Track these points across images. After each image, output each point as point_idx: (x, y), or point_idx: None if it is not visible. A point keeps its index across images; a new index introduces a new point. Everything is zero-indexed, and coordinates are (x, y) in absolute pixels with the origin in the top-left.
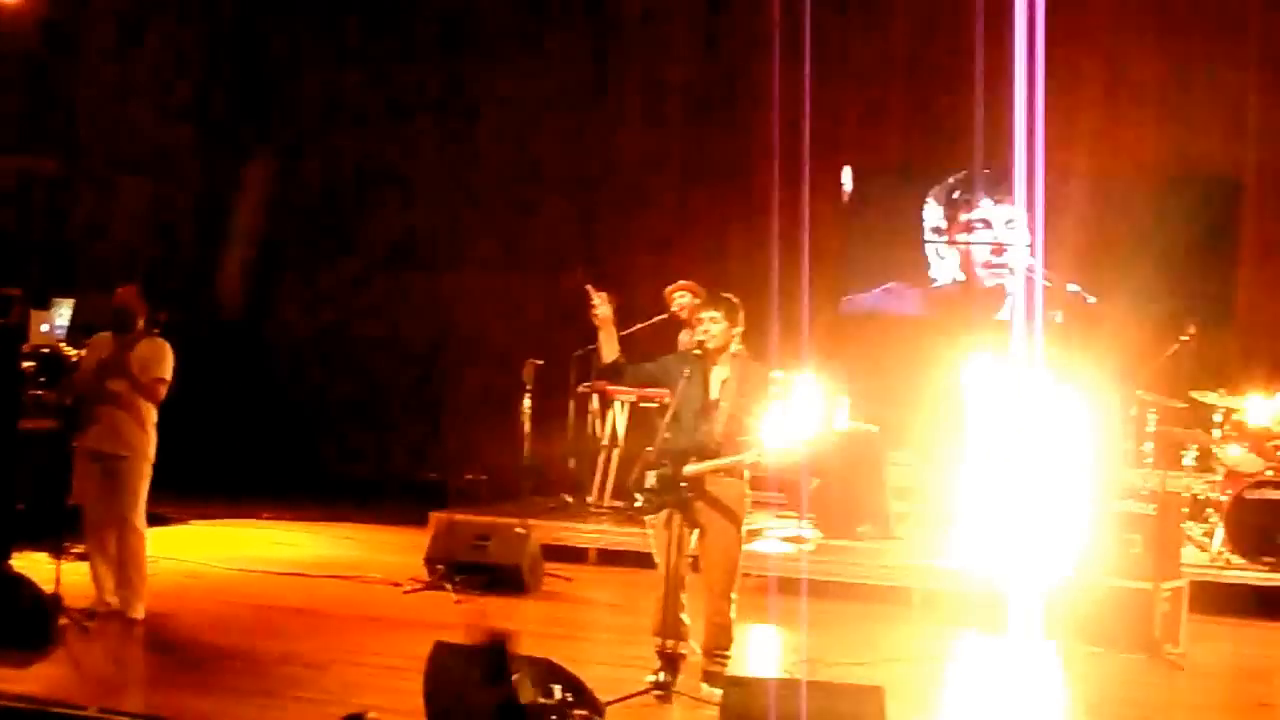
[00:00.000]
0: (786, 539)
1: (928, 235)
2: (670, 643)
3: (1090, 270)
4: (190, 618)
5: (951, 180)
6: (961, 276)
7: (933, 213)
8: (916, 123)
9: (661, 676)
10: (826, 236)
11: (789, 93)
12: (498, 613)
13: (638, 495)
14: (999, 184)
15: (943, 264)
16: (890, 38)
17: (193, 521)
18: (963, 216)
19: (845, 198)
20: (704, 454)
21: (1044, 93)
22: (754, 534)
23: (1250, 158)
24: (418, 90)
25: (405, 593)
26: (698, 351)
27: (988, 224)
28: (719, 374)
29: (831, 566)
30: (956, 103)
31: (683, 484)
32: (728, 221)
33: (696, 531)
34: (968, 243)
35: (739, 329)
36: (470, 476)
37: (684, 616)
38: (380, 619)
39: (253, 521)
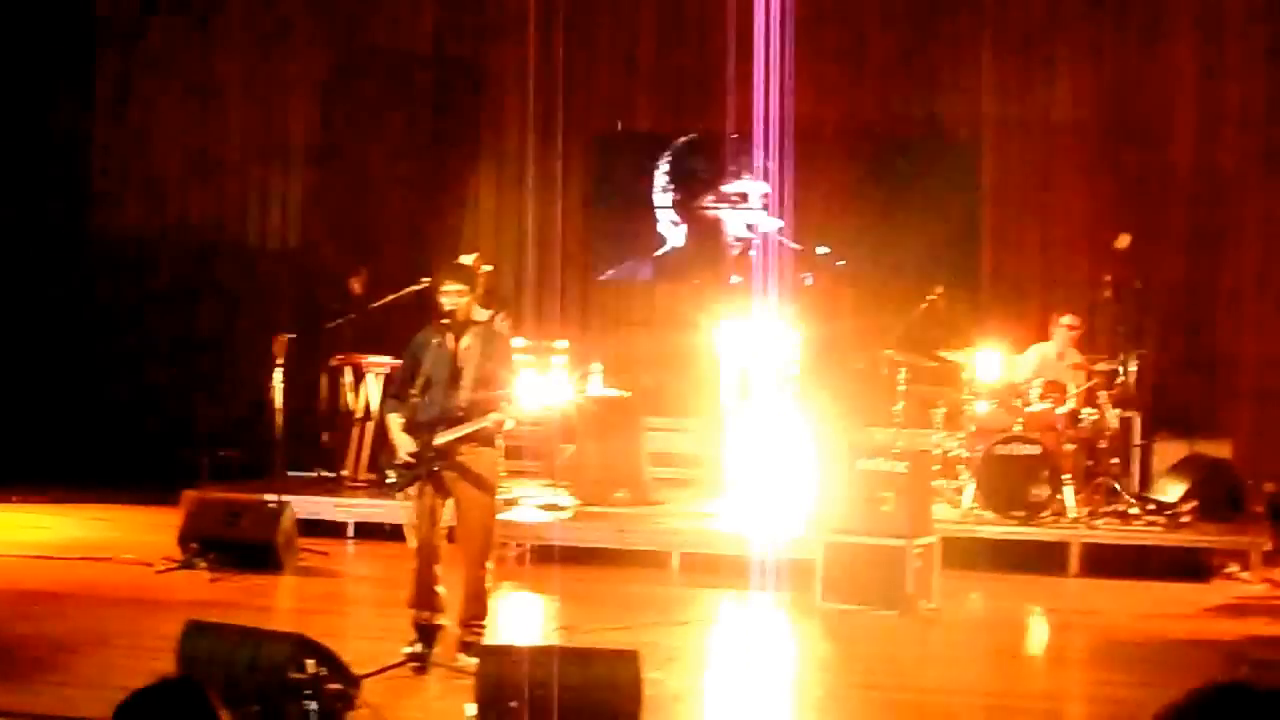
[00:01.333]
0: (543, 507)
1: (660, 202)
2: (425, 614)
3: (838, 233)
4: None
5: (681, 144)
6: (681, 243)
7: (663, 179)
8: (665, 91)
9: (418, 648)
10: (578, 207)
11: (539, 64)
12: (253, 589)
13: (389, 471)
14: (741, 152)
15: (675, 230)
16: (641, 9)
17: None
18: (715, 183)
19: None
20: (452, 423)
21: (794, 59)
22: (510, 503)
23: (990, 119)
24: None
25: (158, 572)
26: (445, 321)
27: (744, 197)
28: (464, 342)
29: (588, 533)
30: (706, 70)
31: (432, 455)
32: (479, 192)
33: (451, 502)
34: (715, 213)
35: (479, 293)
36: (223, 453)
37: (439, 588)
38: (133, 600)
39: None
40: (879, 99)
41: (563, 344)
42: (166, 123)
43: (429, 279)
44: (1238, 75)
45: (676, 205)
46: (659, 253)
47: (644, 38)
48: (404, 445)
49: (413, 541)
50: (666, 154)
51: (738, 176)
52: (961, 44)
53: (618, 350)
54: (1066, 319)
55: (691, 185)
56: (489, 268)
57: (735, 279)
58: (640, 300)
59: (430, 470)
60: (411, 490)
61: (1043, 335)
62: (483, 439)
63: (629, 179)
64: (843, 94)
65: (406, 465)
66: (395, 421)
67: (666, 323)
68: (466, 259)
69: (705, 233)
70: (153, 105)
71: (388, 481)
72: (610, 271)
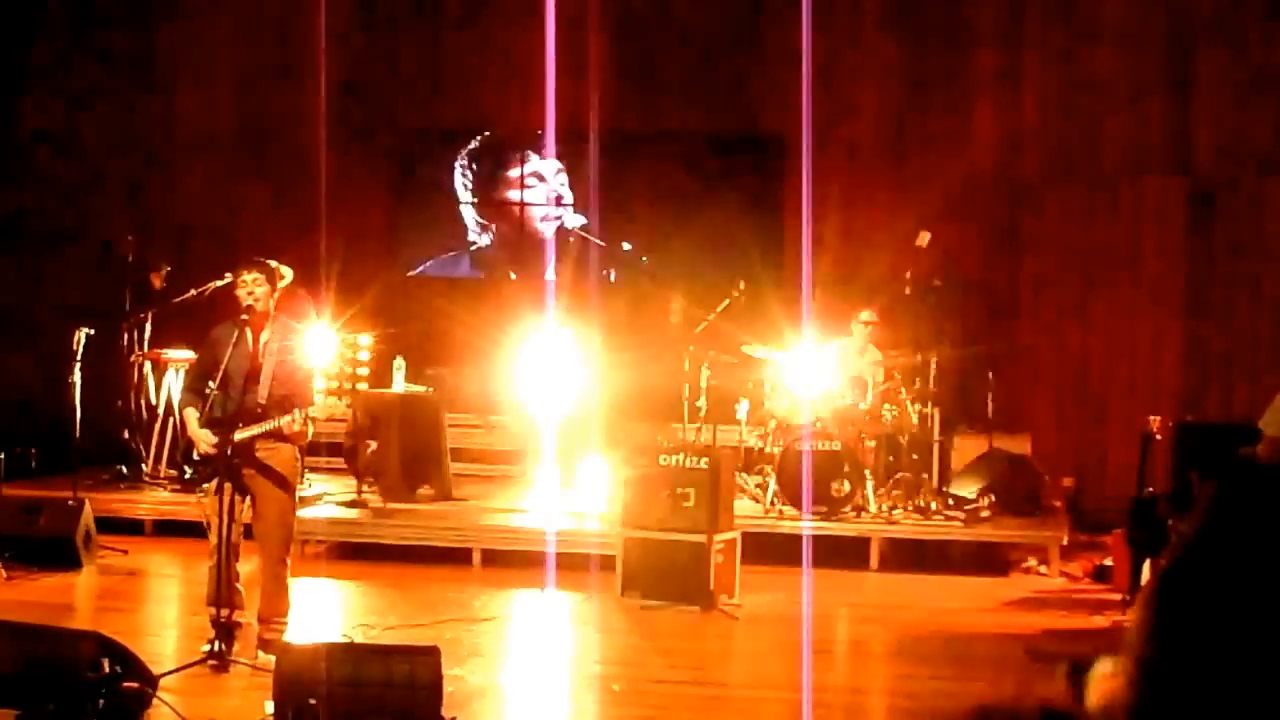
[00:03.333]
0: (344, 503)
1: (463, 199)
2: (224, 611)
3: (643, 228)
4: None
5: (476, 144)
6: (488, 239)
7: (463, 178)
8: (467, 88)
9: (216, 646)
10: (386, 202)
11: (343, 57)
12: (51, 587)
13: (187, 466)
14: (537, 145)
15: (483, 233)
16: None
17: None
18: (512, 173)
19: None
20: (251, 419)
21: (601, 58)
22: (312, 499)
23: (793, 114)
24: None
25: None
26: (244, 316)
27: (540, 177)
28: (263, 337)
29: (391, 530)
30: (508, 71)
31: (231, 451)
32: (286, 189)
33: (249, 498)
34: (521, 203)
35: (281, 287)
36: (20, 449)
37: (238, 585)
38: None
39: None
40: (684, 96)
41: (366, 339)
42: None
43: (230, 274)
44: (1035, 80)
45: (478, 206)
46: (474, 248)
47: (447, 36)
48: (202, 440)
49: (212, 538)
50: (462, 155)
51: (526, 162)
52: (769, 43)
53: (422, 345)
54: (865, 314)
55: (488, 183)
56: (289, 273)
57: (549, 275)
58: (446, 296)
59: (228, 466)
60: (209, 485)
61: (845, 331)
62: (279, 435)
63: (437, 175)
64: (647, 91)
65: (204, 460)
66: (192, 416)
67: (471, 318)
68: (272, 264)
69: (513, 227)
70: None
71: (186, 476)
72: (422, 266)
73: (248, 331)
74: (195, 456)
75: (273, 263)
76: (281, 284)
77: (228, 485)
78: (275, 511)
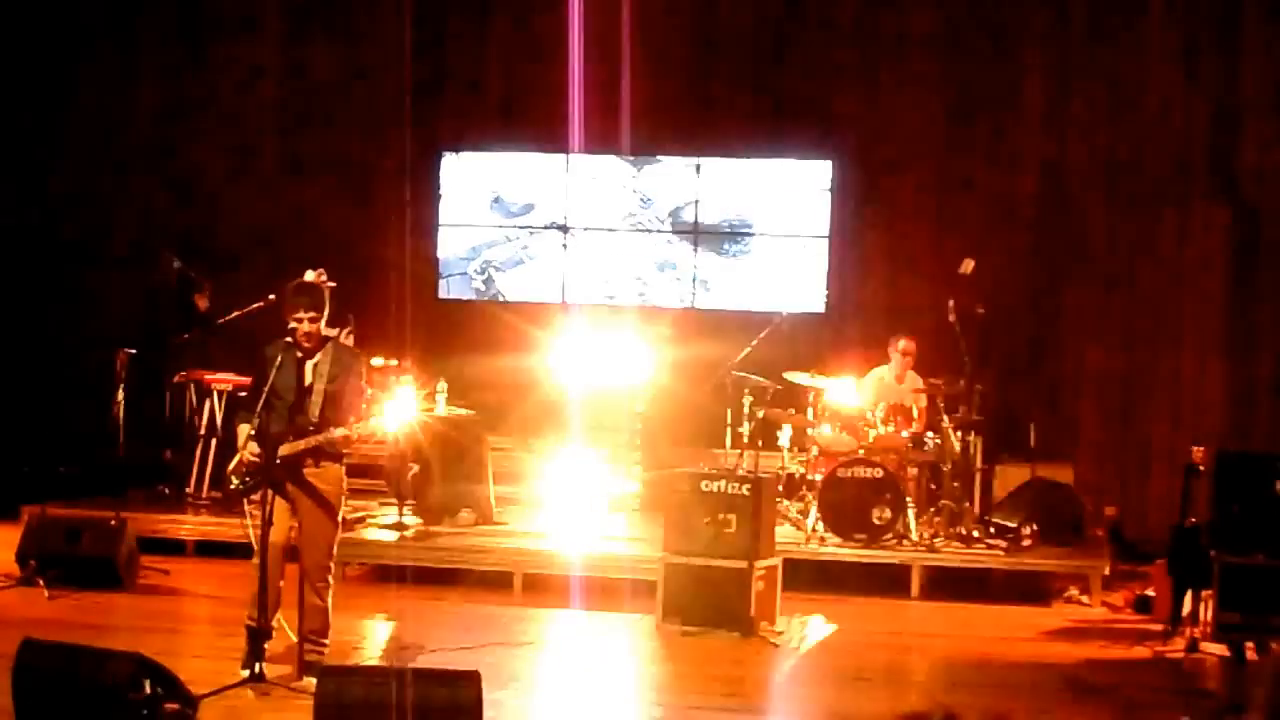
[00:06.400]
0: (386, 526)
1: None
2: (261, 620)
3: None
4: None
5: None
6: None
7: None
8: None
9: (257, 667)
10: (428, 223)
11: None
12: (92, 607)
13: (234, 477)
14: None
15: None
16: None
17: None
18: None
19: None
20: (300, 436)
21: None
22: (355, 521)
23: (840, 143)
24: None
25: None
26: (289, 340)
27: None
28: (314, 359)
29: (432, 553)
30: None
31: (278, 464)
32: (327, 211)
33: (295, 519)
34: None
35: (327, 313)
36: (64, 469)
37: (277, 602)
38: None
39: None
40: (725, 112)
41: (408, 363)
42: None
43: (275, 295)
44: (1080, 105)
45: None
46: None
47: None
48: (249, 452)
49: (258, 552)
50: None
51: None
52: (816, 59)
53: (463, 370)
54: (902, 343)
55: None
56: (332, 284)
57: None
58: (484, 320)
59: (274, 480)
60: (254, 499)
61: (885, 359)
62: (329, 455)
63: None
64: (685, 106)
65: (251, 473)
66: (244, 430)
67: (512, 343)
68: (309, 275)
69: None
70: None
71: (232, 487)
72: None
73: (297, 353)
74: (243, 467)
75: (313, 277)
76: (326, 307)
77: (273, 499)
78: (319, 531)
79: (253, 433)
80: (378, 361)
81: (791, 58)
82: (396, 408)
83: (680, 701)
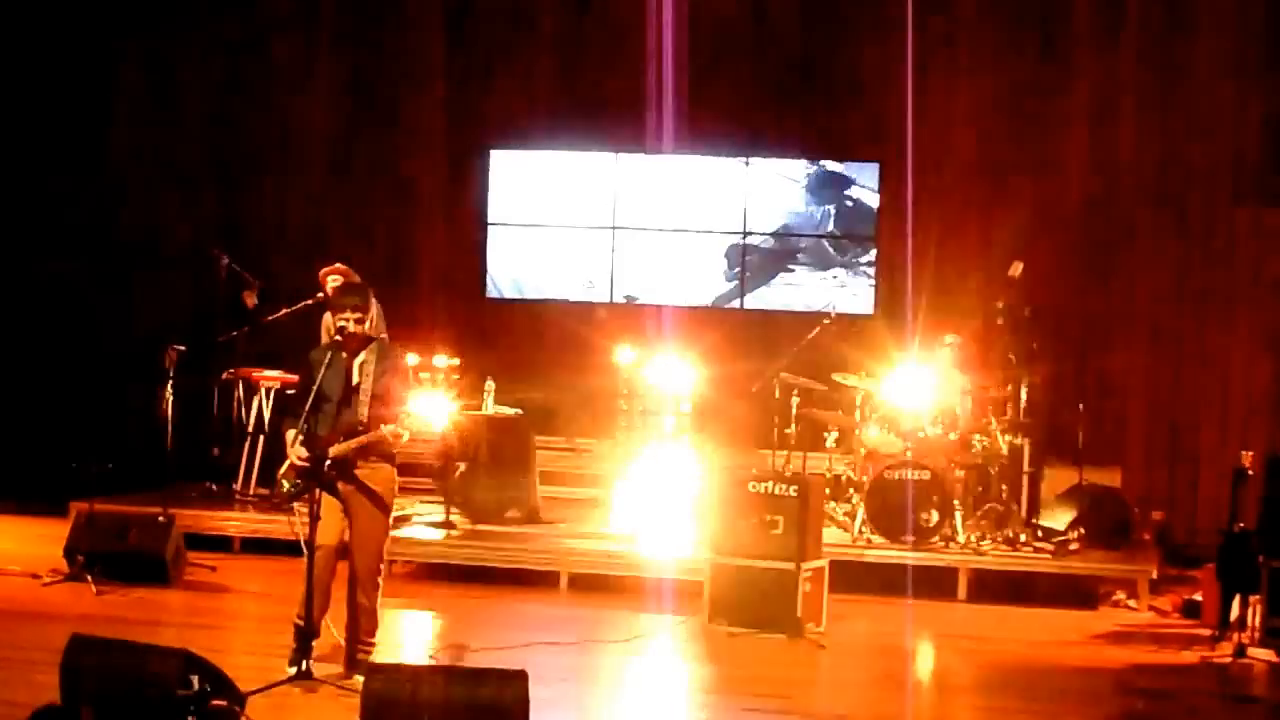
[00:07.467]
0: (434, 524)
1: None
2: (310, 619)
3: None
4: None
5: None
6: None
7: None
8: (573, 100)
9: (304, 665)
10: (474, 223)
11: (443, 76)
12: (140, 603)
13: (284, 480)
14: None
15: None
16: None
17: None
18: None
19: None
20: (350, 436)
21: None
22: (402, 520)
23: (887, 145)
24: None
25: (44, 584)
26: (338, 338)
27: None
28: (360, 358)
29: (479, 552)
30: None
31: (328, 464)
32: (376, 209)
33: (346, 520)
34: None
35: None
36: (112, 465)
37: (326, 603)
38: (18, 611)
39: None
40: (774, 112)
41: (455, 361)
42: None
43: (321, 294)
44: (1130, 109)
45: None
46: None
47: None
48: (296, 455)
49: (307, 553)
50: None
51: None
52: (865, 61)
53: (510, 369)
54: (949, 337)
55: None
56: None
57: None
58: (531, 319)
59: (325, 480)
60: (305, 498)
61: (932, 360)
62: (380, 454)
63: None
64: (734, 106)
65: (301, 474)
66: (291, 434)
67: (559, 342)
68: (333, 279)
69: None
70: None
71: (282, 490)
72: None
73: (343, 354)
74: (292, 468)
75: (365, 285)
76: (373, 307)
77: (324, 499)
78: (370, 530)
79: (301, 436)
80: (417, 359)
81: (840, 59)
82: (443, 405)
83: (726, 702)
